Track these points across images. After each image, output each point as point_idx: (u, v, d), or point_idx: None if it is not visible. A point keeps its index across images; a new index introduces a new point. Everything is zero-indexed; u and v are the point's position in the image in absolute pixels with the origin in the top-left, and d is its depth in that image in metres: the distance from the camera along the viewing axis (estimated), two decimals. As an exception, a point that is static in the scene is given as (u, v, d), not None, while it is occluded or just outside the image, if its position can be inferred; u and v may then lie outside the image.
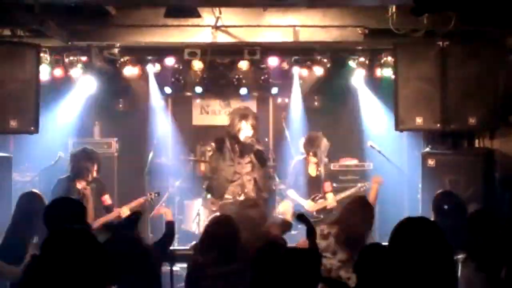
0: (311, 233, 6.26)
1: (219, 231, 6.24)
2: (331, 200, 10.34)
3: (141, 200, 10.14)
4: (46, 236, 4.09)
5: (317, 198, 10.50)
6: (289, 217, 9.54)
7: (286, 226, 7.99)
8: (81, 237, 4.02)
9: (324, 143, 10.52)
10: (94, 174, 9.65)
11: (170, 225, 7.51)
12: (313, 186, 10.58)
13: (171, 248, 8.66)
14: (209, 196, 11.32)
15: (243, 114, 9.86)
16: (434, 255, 4.05)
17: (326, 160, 10.70)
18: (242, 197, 9.68)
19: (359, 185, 11.04)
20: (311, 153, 10.49)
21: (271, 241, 5.59)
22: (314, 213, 10.46)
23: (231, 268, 5.92)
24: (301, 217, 6.59)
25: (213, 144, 10.25)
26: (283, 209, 10.26)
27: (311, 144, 10.53)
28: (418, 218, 4.36)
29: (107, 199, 9.71)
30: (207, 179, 10.88)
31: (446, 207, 7.36)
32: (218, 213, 9.35)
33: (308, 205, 10.42)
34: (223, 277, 6.00)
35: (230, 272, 5.94)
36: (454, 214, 7.19)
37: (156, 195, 10.56)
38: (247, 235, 6.61)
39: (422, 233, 4.13)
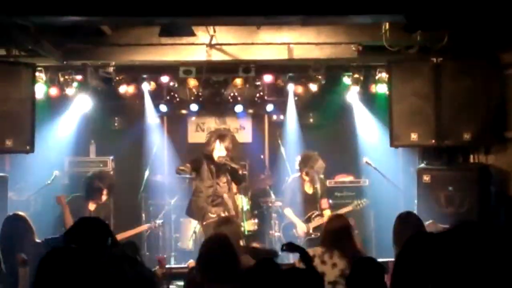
0: (305, 258, 6.18)
1: (215, 250, 6.20)
2: (326, 217, 10.36)
3: (143, 227, 10.22)
4: (42, 257, 4.09)
5: (314, 215, 10.52)
6: None
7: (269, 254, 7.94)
8: (76, 257, 4.03)
9: (319, 163, 10.58)
10: (104, 197, 9.79)
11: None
12: (310, 204, 10.63)
13: (167, 266, 8.70)
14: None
15: (220, 135, 9.93)
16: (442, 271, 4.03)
17: (322, 177, 10.74)
18: (225, 213, 9.75)
19: (356, 202, 11.06)
20: (304, 172, 10.56)
21: (264, 259, 5.52)
22: (311, 230, 10.48)
23: (230, 285, 5.88)
24: (291, 246, 6.46)
25: (188, 165, 10.17)
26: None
27: (304, 164, 10.61)
28: (428, 234, 4.33)
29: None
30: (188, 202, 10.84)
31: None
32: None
33: (300, 228, 10.45)
34: None
35: None
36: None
37: (160, 224, 10.72)
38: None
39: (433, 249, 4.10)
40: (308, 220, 10.73)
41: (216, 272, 5.97)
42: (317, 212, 10.62)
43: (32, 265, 6.50)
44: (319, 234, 10.29)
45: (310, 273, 5.26)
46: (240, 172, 10.13)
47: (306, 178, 10.62)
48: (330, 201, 11.27)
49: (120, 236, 9.54)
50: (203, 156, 10.00)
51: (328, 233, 6.98)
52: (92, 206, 9.91)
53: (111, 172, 12.20)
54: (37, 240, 6.91)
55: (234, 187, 10.25)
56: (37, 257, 6.24)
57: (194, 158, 10.22)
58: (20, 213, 7.58)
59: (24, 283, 6.62)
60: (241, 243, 7.56)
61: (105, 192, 9.93)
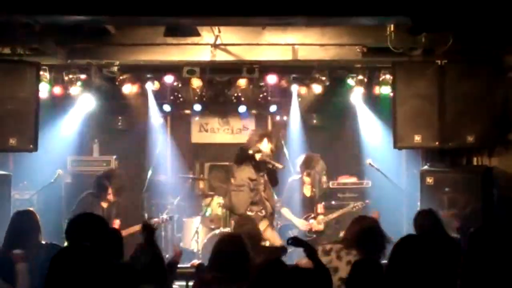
0: (312, 253, 6.16)
1: (228, 249, 6.17)
2: (315, 224, 10.42)
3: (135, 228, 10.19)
4: (55, 254, 4.10)
5: (309, 218, 10.53)
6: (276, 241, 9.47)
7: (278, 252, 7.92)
8: (89, 254, 4.03)
9: (321, 165, 10.57)
10: (111, 196, 9.81)
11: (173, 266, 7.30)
12: (307, 206, 10.63)
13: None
14: (208, 213, 11.33)
15: (269, 135, 9.93)
16: (433, 272, 4.04)
17: (324, 179, 10.73)
18: (263, 213, 9.71)
19: (352, 204, 11.05)
20: (305, 174, 10.55)
21: (272, 259, 5.50)
22: (307, 232, 10.48)
23: (238, 286, 5.85)
24: (296, 240, 6.46)
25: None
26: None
27: (306, 165, 10.58)
28: (419, 236, 4.36)
29: (116, 223, 9.95)
30: (223, 195, 10.90)
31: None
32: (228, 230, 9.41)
33: (301, 224, 10.45)
34: None
35: None
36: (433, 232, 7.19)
37: (169, 219, 10.70)
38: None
39: (424, 250, 4.12)
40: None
41: (227, 271, 5.96)
42: (313, 215, 10.61)
43: (33, 264, 6.48)
44: (314, 235, 10.36)
45: (315, 271, 5.24)
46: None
47: (307, 180, 10.60)
48: (333, 202, 11.28)
49: (125, 232, 9.52)
50: (244, 152, 9.94)
51: (351, 233, 6.94)
52: (104, 204, 9.92)
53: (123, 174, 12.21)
54: (42, 242, 6.88)
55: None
56: (39, 257, 6.28)
57: (238, 153, 10.16)
58: (32, 209, 7.55)
59: (23, 278, 6.60)
60: (263, 243, 7.56)
61: (110, 191, 9.93)
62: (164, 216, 11.05)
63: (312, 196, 10.64)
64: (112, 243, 5.85)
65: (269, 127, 13.68)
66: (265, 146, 9.92)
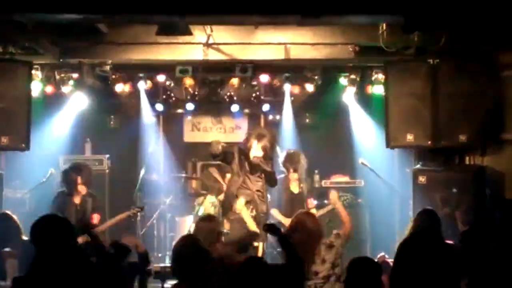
0: (284, 242, 6.12)
1: (185, 253, 6.08)
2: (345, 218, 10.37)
3: (122, 215, 10.09)
4: (36, 253, 4.08)
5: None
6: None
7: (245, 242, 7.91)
8: (72, 254, 4.02)
9: (303, 160, 10.55)
10: (82, 188, 9.66)
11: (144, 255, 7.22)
12: (296, 203, 10.56)
13: (162, 265, 8.64)
14: (200, 212, 11.32)
15: (259, 135, 9.82)
16: (440, 271, 4.02)
17: (316, 178, 10.73)
18: (253, 213, 9.64)
19: (342, 197, 11.02)
20: (291, 170, 10.50)
21: (251, 256, 5.49)
22: None
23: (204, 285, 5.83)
24: (271, 228, 6.43)
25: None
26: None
27: (291, 161, 10.54)
28: (427, 234, 4.32)
29: (95, 218, 9.70)
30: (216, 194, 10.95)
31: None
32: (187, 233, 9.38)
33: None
34: None
35: None
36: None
37: (139, 210, 10.52)
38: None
39: (431, 248, 4.09)
40: None
41: (186, 273, 5.92)
42: (303, 211, 10.59)
43: (20, 262, 6.49)
44: None
45: (288, 263, 5.25)
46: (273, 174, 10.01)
47: (294, 176, 10.56)
48: (325, 201, 11.26)
49: (103, 227, 9.50)
50: (238, 150, 9.88)
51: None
52: (77, 199, 9.76)
53: (107, 171, 12.16)
54: (24, 238, 6.88)
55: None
56: (25, 254, 6.28)
57: (226, 150, 10.08)
58: (7, 212, 7.54)
59: (13, 273, 6.61)
60: (223, 239, 7.53)
61: (79, 181, 9.70)
62: (136, 208, 10.77)
63: (300, 192, 10.62)
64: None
65: (262, 126, 13.66)
66: (255, 146, 9.82)
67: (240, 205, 9.21)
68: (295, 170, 10.50)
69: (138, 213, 10.73)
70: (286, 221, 10.46)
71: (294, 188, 10.60)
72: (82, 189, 9.73)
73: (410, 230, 7.56)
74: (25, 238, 6.90)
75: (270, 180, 9.85)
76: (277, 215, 10.52)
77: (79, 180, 9.69)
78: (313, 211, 10.48)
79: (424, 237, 4.14)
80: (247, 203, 9.68)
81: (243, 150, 9.74)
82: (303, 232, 6.75)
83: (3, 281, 6.52)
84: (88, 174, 9.89)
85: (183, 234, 8.46)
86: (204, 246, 6.16)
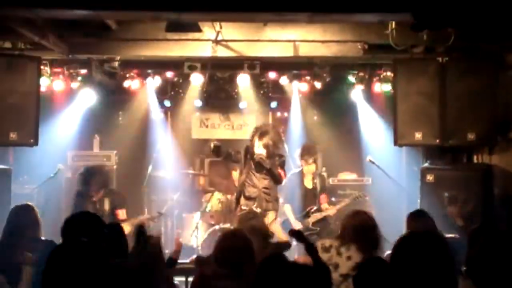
0: (311, 250, 6.13)
1: (232, 245, 6.12)
2: (331, 210, 10.39)
3: (144, 218, 10.09)
4: (52, 250, 4.08)
5: (312, 210, 10.50)
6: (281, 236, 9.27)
7: (282, 247, 7.87)
8: (86, 250, 4.03)
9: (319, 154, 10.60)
10: (95, 191, 9.65)
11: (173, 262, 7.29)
12: (309, 199, 10.57)
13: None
14: (208, 209, 11.34)
15: (261, 132, 9.82)
16: (437, 269, 4.03)
17: (325, 175, 10.72)
18: (258, 210, 9.63)
19: (354, 195, 11.02)
20: (310, 161, 10.46)
21: (272, 254, 5.46)
22: (310, 225, 10.45)
23: (239, 282, 5.83)
24: (298, 234, 6.42)
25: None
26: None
27: (310, 152, 10.51)
28: (422, 233, 4.34)
29: (120, 213, 9.66)
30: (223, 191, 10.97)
31: None
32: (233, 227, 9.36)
33: (296, 225, 10.37)
34: None
35: (236, 286, 5.85)
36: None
37: (159, 215, 10.55)
38: (257, 245, 6.57)
39: (426, 247, 4.11)
40: (306, 215, 10.65)
41: (226, 266, 5.93)
42: (315, 207, 10.58)
43: (36, 268, 6.49)
44: (318, 228, 10.34)
45: (315, 269, 5.22)
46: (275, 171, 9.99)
47: (311, 169, 10.52)
48: (333, 198, 11.27)
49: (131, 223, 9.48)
50: (245, 148, 9.90)
51: (347, 228, 6.93)
52: (96, 197, 9.72)
53: (114, 167, 12.16)
54: (42, 238, 6.87)
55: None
56: (39, 254, 6.27)
57: (229, 150, 10.16)
58: (31, 204, 7.50)
59: (27, 281, 6.60)
60: (269, 238, 7.51)
61: (94, 188, 9.66)
62: (155, 214, 10.83)
63: (314, 188, 10.61)
64: (111, 239, 5.81)
65: (270, 122, 13.67)
66: (257, 144, 9.81)
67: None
68: (315, 161, 10.47)
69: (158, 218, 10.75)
70: (293, 221, 10.50)
71: (308, 183, 10.59)
72: (96, 193, 9.69)
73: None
74: (42, 238, 6.88)
75: (274, 178, 9.85)
76: (288, 213, 10.52)
77: (94, 188, 9.67)
78: (325, 206, 10.49)
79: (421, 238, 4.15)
80: (251, 199, 9.70)
81: (249, 148, 9.76)
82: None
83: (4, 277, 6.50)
84: (101, 178, 9.81)
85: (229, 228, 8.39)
86: (251, 242, 6.20)
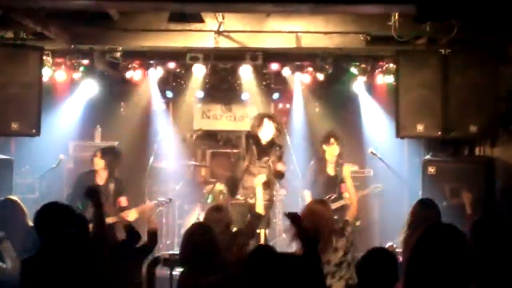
0: (304, 235, 6.02)
1: (198, 242, 6.08)
2: (352, 197, 10.38)
3: (151, 204, 10.06)
4: (44, 240, 4.09)
5: (332, 198, 10.52)
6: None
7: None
8: (79, 240, 4.03)
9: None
10: (98, 163, 9.64)
11: (153, 234, 7.28)
12: (330, 186, 10.55)
13: (171, 252, 8.67)
14: (209, 200, 11.35)
15: (269, 115, 9.85)
16: (457, 262, 3.99)
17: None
18: (253, 200, 9.63)
19: (373, 185, 11.05)
20: (332, 141, 10.39)
21: (260, 246, 5.44)
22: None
23: (209, 279, 5.82)
24: (292, 217, 6.24)
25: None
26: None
27: (334, 136, 10.48)
28: (447, 224, 4.28)
29: (123, 201, 9.63)
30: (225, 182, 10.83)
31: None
32: (199, 220, 9.35)
33: None
34: (212, 285, 5.89)
35: (208, 284, 5.84)
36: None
37: (169, 201, 10.48)
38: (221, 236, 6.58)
39: (451, 239, 4.06)
40: None
41: (196, 264, 5.92)
42: (335, 195, 10.60)
43: (17, 244, 6.54)
44: (336, 217, 10.32)
45: (303, 258, 5.22)
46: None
47: (334, 151, 10.47)
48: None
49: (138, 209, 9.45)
50: (246, 135, 9.87)
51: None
52: (101, 181, 9.73)
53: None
54: (31, 224, 6.89)
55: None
56: (30, 240, 6.29)
57: (229, 136, 10.12)
58: (12, 197, 7.54)
59: (9, 254, 6.65)
60: (231, 228, 7.49)
61: (98, 155, 9.69)
62: (162, 198, 10.78)
63: (336, 175, 10.62)
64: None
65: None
66: (268, 127, 9.78)
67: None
68: (337, 143, 10.43)
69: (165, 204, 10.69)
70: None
71: (331, 170, 10.55)
72: (102, 171, 9.70)
73: (408, 221, 7.48)
74: (30, 223, 6.90)
75: (281, 157, 9.81)
76: (308, 198, 10.55)
77: (98, 155, 9.67)
78: (346, 195, 10.49)
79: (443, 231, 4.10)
80: (249, 188, 9.70)
81: (252, 134, 9.75)
82: (314, 221, 6.70)
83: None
84: (113, 159, 9.81)
85: (195, 221, 8.41)
86: (215, 235, 6.18)
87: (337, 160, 10.44)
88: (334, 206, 10.43)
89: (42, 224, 5.52)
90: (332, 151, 10.37)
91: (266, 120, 9.67)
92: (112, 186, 9.65)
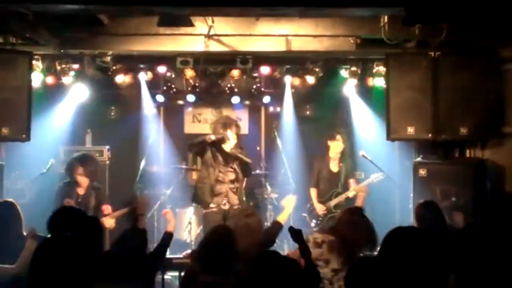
0: (306, 252, 6.14)
1: (217, 240, 6.19)
2: (350, 192, 10.50)
3: (124, 210, 10.04)
4: (38, 244, 4.08)
5: (334, 193, 10.61)
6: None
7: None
8: (71, 245, 4.02)
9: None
10: (80, 177, 9.64)
11: (168, 236, 7.47)
12: (332, 182, 10.69)
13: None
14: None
15: (226, 123, 9.93)
16: (425, 265, 4.03)
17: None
18: (226, 206, 9.71)
19: (374, 175, 11.09)
20: (337, 136, 10.68)
21: (266, 250, 5.48)
22: (333, 209, 10.62)
23: (224, 277, 5.86)
24: (295, 233, 6.36)
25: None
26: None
27: (336, 131, 10.66)
28: (408, 228, 4.35)
29: (106, 209, 9.66)
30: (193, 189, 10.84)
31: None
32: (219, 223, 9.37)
33: (319, 208, 10.59)
34: (216, 286, 5.94)
35: (223, 282, 5.88)
36: (434, 223, 7.24)
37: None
38: (246, 243, 6.57)
39: (413, 242, 4.12)
40: (329, 199, 10.84)
41: (212, 261, 5.97)
42: (338, 190, 10.69)
43: (14, 257, 6.48)
44: (338, 211, 10.38)
45: (305, 271, 5.25)
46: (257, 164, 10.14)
47: (337, 146, 10.64)
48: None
49: (112, 216, 9.43)
50: (210, 143, 9.93)
51: (340, 227, 6.94)
52: (80, 191, 9.75)
53: (107, 162, 12.13)
54: (24, 233, 6.85)
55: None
56: (20, 249, 6.27)
57: (200, 141, 10.13)
58: (11, 200, 7.51)
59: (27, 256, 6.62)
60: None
61: (81, 172, 9.69)
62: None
63: (339, 172, 10.72)
64: (91, 233, 5.83)
65: (262, 118, 13.71)
66: (230, 138, 9.93)
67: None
68: (344, 140, 10.58)
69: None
70: (316, 204, 10.65)
71: (334, 166, 10.69)
72: (83, 180, 9.71)
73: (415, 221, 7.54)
74: (24, 232, 6.86)
75: (246, 169, 9.95)
76: (313, 195, 10.66)
77: (80, 170, 9.69)
78: (351, 188, 10.60)
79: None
80: (220, 195, 9.76)
81: (215, 142, 9.81)
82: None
83: None
84: (92, 167, 9.86)
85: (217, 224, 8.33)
86: (234, 240, 6.23)
87: (340, 156, 10.61)
88: (336, 201, 10.56)
89: (55, 229, 5.56)
90: (335, 147, 10.60)
91: (228, 132, 9.80)
92: (93, 195, 9.68)
